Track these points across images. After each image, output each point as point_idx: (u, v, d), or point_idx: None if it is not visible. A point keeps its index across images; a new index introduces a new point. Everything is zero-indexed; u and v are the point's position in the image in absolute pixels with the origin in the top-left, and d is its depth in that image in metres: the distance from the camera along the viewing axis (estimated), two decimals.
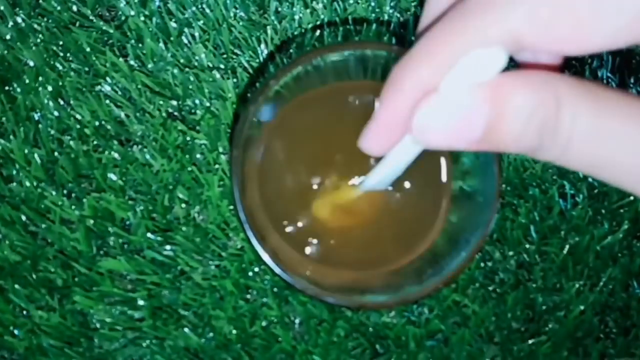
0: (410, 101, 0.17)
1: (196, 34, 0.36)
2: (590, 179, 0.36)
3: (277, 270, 0.27)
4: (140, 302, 0.35)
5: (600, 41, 0.16)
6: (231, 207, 0.36)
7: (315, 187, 0.30)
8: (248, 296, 0.36)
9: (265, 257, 0.27)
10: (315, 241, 0.30)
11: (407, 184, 0.30)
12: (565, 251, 0.36)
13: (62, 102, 0.36)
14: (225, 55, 0.36)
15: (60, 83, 0.36)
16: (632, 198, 0.36)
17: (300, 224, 0.30)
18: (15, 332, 0.35)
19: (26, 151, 0.35)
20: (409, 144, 0.19)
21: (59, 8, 0.36)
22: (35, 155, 0.35)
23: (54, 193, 0.35)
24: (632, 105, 0.16)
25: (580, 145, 0.17)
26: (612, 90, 0.17)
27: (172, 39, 0.36)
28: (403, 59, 0.18)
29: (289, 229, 0.30)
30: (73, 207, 0.35)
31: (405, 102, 0.18)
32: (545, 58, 0.18)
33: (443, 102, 0.17)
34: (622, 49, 0.16)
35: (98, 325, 0.35)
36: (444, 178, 0.30)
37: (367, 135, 0.20)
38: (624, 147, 0.16)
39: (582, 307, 0.36)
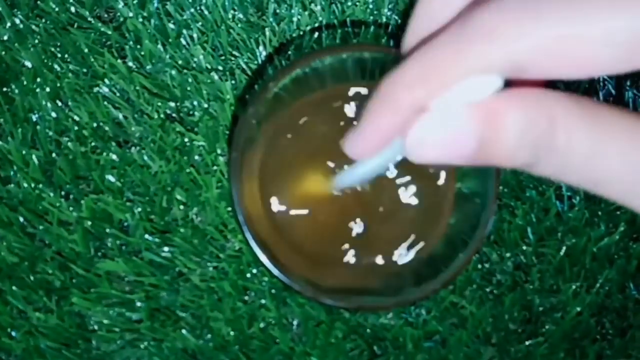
0: (401, 117, 0.18)
1: (194, 36, 0.36)
2: None
3: (275, 272, 0.27)
4: (138, 304, 0.35)
5: (602, 67, 0.16)
6: (229, 208, 0.36)
7: (313, 187, 0.30)
8: (246, 298, 0.36)
9: (264, 258, 0.27)
10: (313, 243, 0.30)
11: (411, 190, 0.30)
12: (562, 253, 0.36)
13: (60, 104, 0.36)
14: (223, 57, 0.36)
15: (59, 84, 0.36)
16: None
17: (298, 226, 0.30)
18: (13, 333, 0.35)
19: (24, 152, 0.35)
20: (394, 153, 0.20)
21: (57, 9, 0.36)
22: (33, 157, 0.35)
23: (51, 194, 0.35)
24: (629, 122, 0.16)
25: (577, 163, 0.17)
26: (609, 107, 0.17)
27: (170, 40, 0.36)
28: (396, 73, 0.18)
29: (287, 231, 0.30)
30: (71, 208, 0.35)
31: (396, 117, 0.18)
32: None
33: (436, 121, 0.17)
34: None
35: (96, 327, 0.35)
36: (446, 184, 0.30)
37: (351, 140, 0.20)
38: (621, 164, 0.16)
39: (578, 309, 0.36)
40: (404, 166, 0.29)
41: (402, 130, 0.18)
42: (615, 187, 0.17)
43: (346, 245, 0.30)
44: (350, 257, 0.30)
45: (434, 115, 0.17)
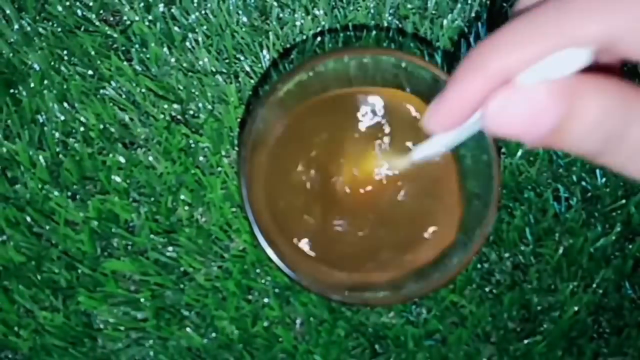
0: (489, 85, 0.17)
1: (200, 39, 0.37)
2: (583, 183, 0.37)
3: (284, 268, 0.28)
4: (144, 303, 0.36)
5: None
6: (233, 209, 0.36)
7: (318, 189, 0.30)
8: (250, 297, 0.36)
9: (273, 255, 0.28)
10: (317, 242, 0.30)
11: (415, 191, 0.30)
12: (559, 253, 0.36)
13: (67, 105, 0.36)
14: (228, 60, 0.37)
15: (65, 86, 0.36)
16: (624, 201, 0.37)
17: (303, 225, 0.30)
18: (20, 332, 0.35)
19: (31, 153, 0.36)
20: (473, 125, 0.19)
21: (64, 12, 0.37)
22: (40, 158, 0.36)
23: (58, 195, 0.36)
24: None
25: None
26: None
27: (176, 43, 0.37)
28: (489, 39, 0.17)
29: (291, 230, 0.30)
30: (77, 208, 0.36)
31: (484, 84, 0.17)
32: (607, 59, 0.18)
33: (520, 94, 0.17)
34: None
35: (102, 326, 0.36)
36: (450, 185, 0.31)
37: (433, 113, 0.19)
38: None
39: (576, 308, 0.36)
40: (410, 168, 0.29)
41: (484, 102, 0.18)
42: None
43: (350, 245, 0.30)
44: (353, 256, 0.30)
45: (519, 87, 0.17)
